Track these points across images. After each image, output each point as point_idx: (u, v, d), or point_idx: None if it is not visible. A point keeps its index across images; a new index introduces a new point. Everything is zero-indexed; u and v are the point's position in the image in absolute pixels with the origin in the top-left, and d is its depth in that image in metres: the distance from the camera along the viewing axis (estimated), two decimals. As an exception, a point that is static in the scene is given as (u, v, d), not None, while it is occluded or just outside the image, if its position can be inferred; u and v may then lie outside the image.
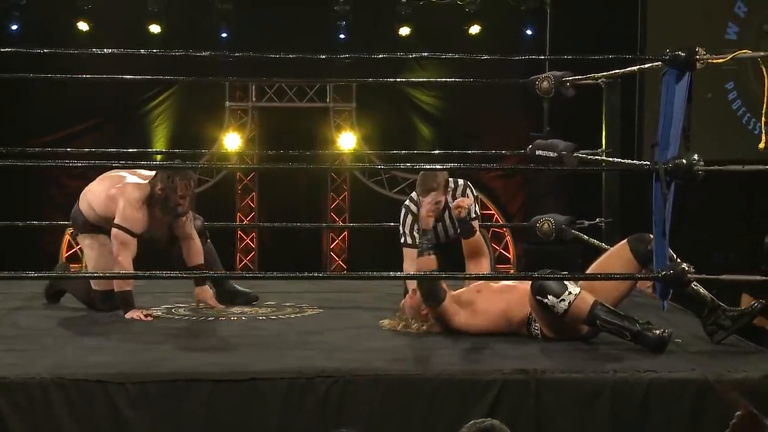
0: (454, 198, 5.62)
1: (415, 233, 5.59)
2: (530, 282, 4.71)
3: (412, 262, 5.48)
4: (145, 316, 5.35)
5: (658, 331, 4.49)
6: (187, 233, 5.67)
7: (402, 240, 5.68)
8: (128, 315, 5.37)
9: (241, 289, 5.92)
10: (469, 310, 4.86)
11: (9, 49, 5.54)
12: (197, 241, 5.71)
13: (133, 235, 5.44)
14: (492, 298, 4.87)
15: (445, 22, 11.20)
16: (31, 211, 9.56)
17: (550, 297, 4.58)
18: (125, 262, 5.39)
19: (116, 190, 5.52)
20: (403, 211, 5.73)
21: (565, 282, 4.60)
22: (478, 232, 5.26)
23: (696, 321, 4.80)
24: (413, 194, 5.73)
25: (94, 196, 5.65)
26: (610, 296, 4.79)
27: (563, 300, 4.56)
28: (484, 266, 5.25)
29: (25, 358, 4.28)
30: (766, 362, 4.30)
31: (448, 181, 5.59)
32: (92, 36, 10.69)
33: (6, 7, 10.74)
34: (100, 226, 5.60)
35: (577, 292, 4.58)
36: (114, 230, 5.44)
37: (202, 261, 5.67)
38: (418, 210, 5.54)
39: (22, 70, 6.50)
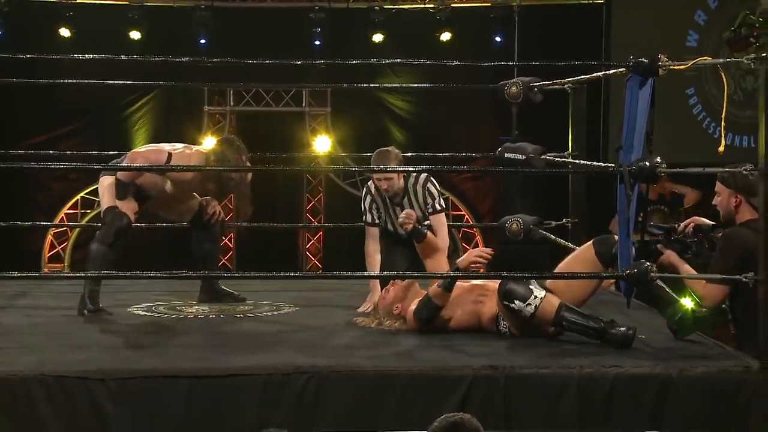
0: (414, 188, 5.66)
1: (373, 212, 5.77)
2: (497, 283, 4.71)
3: (372, 240, 5.68)
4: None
5: (622, 329, 4.50)
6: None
7: (363, 218, 5.81)
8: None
9: (229, 290, 5.91)
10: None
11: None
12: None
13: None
14: (461, 296, 4.86)
15: (416, 29, 11.22)
16: (14, 211, 9.49)
17: (516, 302, 4.59)
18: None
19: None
20: (364, 191, 5.87)
21: (530, 286, 4.60)
22: (429, 234, 5.24)
23: (659, 317, 4.82)
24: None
25: (139, 154, 5.58)
26: (577, 296, 4.79)
27: (529, 304, 4.57)
28: (441, 263, 5.21)
29: (8, 356, 4.25)
30: (726, 358, 4.32)
31: (401, 161, 5.67)
32: (74, 42, 10.64)
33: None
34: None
35: (543, 295, 4.59)
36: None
37: None
38: (377, 190, 5.70)
39: (4, 75, 6.45)
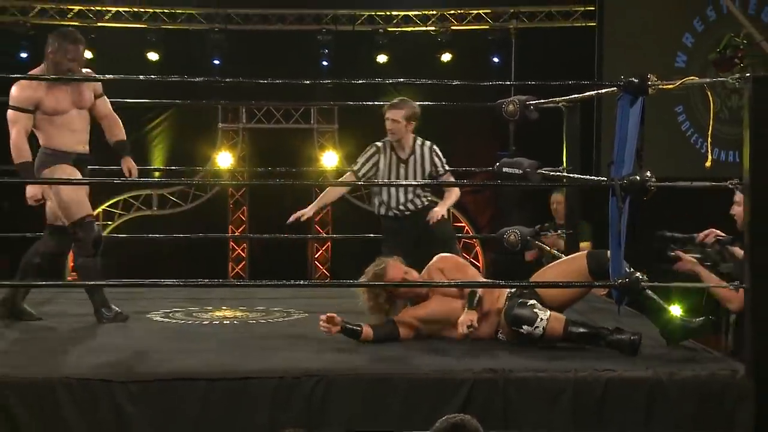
0: (422, 149, 6.09)
1: (367, 166, 6.11)
2: (503, 311, 4.67)
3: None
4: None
5: (628, 334, 4.48)
6: (106, 113, 5.67)
7: (351, 166, 6.21)
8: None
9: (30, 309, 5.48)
10: (436, 326, 4.83)
11: (19, 75, 5.51)
12: (117, 119, 5.72)
13: (24, 110, 5.22)
14: (455, 311, 4.80)
15: (419, 50, 11.26)
16: (7, 219, 9.50)
17: (525, 327, 4.54)
18: (17, 136, 5.18)
19: None
20: (373, 146, 6.21)
21: (535, 309, 4.55)
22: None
23: (649, 324, 4.81)
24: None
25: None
26: (566, 297, 4.78)
27: (537, 327, 4.53)
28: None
29: (34, 360, 4.27)
30: (715, 362, 4.32)
31: (416, 113, 6.04)
32: (96, 63, 10.66)
33: (17, 38, 10.86)
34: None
35: (548, 316, 4.54)
36: (7, 113, 5.26)
37: (124, 137, 5.72)
38: (386, 147, 6.06)
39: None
